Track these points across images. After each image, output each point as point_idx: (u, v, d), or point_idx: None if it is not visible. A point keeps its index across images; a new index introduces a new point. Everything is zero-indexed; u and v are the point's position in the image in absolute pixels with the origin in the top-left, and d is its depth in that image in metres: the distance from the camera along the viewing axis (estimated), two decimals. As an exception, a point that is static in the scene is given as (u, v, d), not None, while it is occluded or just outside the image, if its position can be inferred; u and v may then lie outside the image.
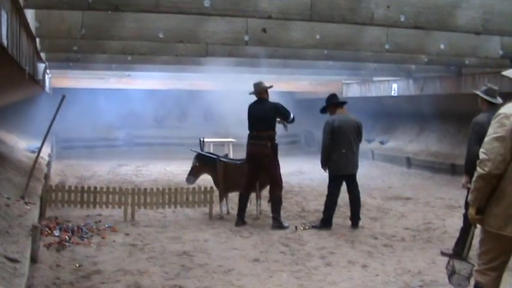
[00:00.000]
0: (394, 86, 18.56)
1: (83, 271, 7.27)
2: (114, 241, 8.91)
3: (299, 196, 13.32)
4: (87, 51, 10.94)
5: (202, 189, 10.89)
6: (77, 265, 7.51)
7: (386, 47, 9.28)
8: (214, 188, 11.07)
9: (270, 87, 10.46)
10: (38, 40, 8.77)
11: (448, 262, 6.07)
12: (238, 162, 11.28)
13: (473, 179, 5.00)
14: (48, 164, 14.63)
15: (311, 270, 7.56)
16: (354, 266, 7.77)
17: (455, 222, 10.51)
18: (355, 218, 10.19)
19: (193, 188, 10.95)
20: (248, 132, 10.34)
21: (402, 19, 6.76)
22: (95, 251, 8.29)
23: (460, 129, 18.38)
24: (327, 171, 10.23)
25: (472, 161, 7.84)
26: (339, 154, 9.96)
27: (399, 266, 7.74)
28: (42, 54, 10.49)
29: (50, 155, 16.19)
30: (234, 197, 11.76)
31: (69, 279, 6.91)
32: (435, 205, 12.51)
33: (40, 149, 11.47)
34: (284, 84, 21.32)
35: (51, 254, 7.96)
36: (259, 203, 11.02)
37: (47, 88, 16.63)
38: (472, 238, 5.95)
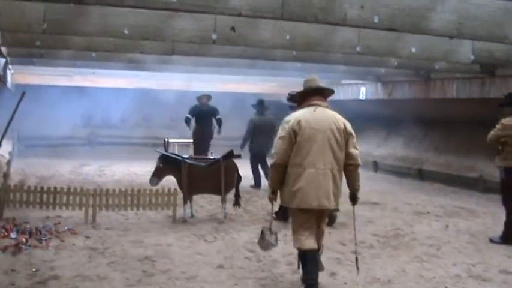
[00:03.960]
0: (363, 89, 18.52)
1: (39, 276, 6.96)
2: (73, 244, 8.59)
3: (264, 200, 13.10)
4: (50, 47, 10.61)
5: (166, 191, 10.62)
6: (33, 270, 7.19)
7: (358, 49, 9.19)
8: (179, 190, 10.81)
9: None
10: (-2, 33, 8.49)
11: (262, 232, 7.08)
12: (203, 163, 11.05)
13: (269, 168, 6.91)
14: (8, 163, 14.24)
15: (278, 277, 7.35)
16: (321, 273, 7.53)
17: (424, 229, 10.45)
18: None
19: (157, 190, 10.66)
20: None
21: (376, 20, 6.65)
22: (53, 255, 7.96)
23: (427, 134, 18.37)
24: None
25: None
26: None
27: (368, 274, 7.54)
28: (3, 49, 10.20)
29: (10, 153, 15.79)
30: (198, 199, 11.56)
31: (24, 285, 6.62)
32: (403, 211, 12.41)
33: (-2, 146, 11.13)
34: (251, 85, 21.18)
35: (6, 258, 7.64)
36: (224, 206, 10.81)
37: (8, 84, 16.29)
38: (272, 211, 7.38)
